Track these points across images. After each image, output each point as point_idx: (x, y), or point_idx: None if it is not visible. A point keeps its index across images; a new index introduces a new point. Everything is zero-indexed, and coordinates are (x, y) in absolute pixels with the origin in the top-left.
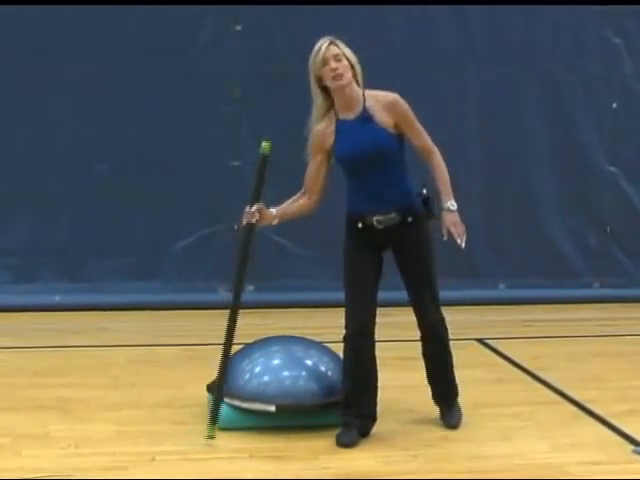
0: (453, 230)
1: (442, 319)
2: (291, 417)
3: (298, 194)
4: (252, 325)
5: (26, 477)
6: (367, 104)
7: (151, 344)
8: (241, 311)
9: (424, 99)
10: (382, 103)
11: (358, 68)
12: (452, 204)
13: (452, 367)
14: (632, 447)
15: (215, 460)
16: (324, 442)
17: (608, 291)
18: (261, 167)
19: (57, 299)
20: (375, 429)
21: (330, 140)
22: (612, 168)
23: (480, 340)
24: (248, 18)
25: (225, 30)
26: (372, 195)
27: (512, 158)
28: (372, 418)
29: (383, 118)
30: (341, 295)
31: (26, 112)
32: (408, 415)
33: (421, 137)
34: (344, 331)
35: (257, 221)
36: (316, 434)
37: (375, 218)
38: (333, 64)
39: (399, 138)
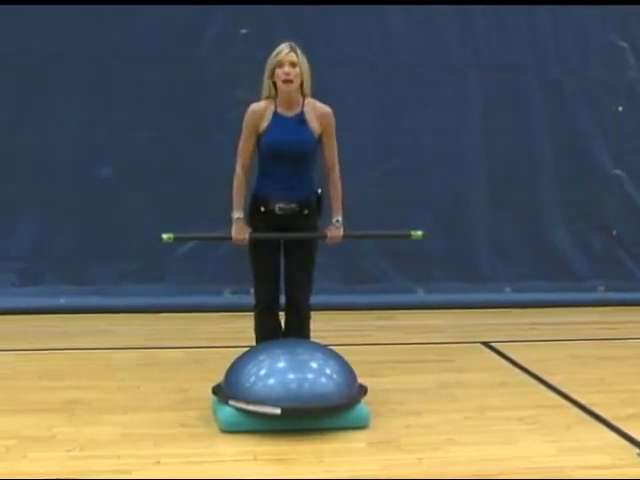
0: (330, 242)
1: (309, 306)
2: (296, 420)
3: (237, 180)
4: None
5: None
6: (304, 109)
7: (156, 347)
8: (246, 315)
9: (426, 102)
10: (317, 112)
11: (307, 78)
12: (338, 220)
13: None
14: (637, 451)
15: (219, 463)
16: (329, 445)
17: (613, 295)
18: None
19: (62, 302)
20: (380, 432)
21: (263, 123)
22: (617, 171)
23: (485, 343)
24: (253, 21)
25: (230, 33)
26: (280, 184)
27: (517, 161)
28: None
29: (314, 124)
30: (346, 298)
31: (30, 117)
32: (413, 418)
33: (333, 151)
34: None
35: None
36: (321, 437)
37: (278, 205)
38: (287, 69)
39: (318, 144)
